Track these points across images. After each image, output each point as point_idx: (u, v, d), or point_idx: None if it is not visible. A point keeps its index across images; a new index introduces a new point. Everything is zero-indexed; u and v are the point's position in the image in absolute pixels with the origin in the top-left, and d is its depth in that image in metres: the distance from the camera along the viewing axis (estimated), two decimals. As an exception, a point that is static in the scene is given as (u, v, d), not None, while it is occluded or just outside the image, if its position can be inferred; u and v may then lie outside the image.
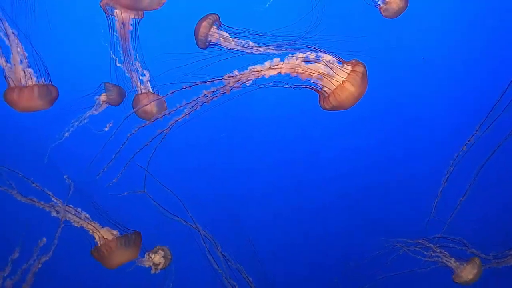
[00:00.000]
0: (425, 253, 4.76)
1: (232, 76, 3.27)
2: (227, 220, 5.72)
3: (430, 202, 5.08)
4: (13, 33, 3.35)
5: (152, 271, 4.10)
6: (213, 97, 3.37)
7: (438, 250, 4.70)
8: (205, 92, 3.33)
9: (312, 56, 3.16)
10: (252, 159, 5.98)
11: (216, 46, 3.72)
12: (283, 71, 3.18)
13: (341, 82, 3.06)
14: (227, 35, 3.64)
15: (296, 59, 3.16)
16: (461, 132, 4.65)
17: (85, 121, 4.87)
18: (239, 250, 4.72)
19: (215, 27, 3.67)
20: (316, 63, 3.15)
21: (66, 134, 4.84)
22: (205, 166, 5.84)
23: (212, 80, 3.33)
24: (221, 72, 3.37)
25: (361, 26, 5.33)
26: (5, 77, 3.40)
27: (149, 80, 4.07)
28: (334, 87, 3.09)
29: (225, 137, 5.74)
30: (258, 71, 3.24)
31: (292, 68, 3.16)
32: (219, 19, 3.68)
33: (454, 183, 4.79)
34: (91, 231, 3.68)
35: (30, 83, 3.35)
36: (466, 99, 6.06)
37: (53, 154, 4.89)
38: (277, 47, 3.37)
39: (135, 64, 4.01)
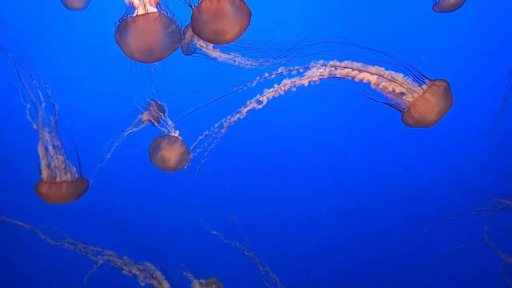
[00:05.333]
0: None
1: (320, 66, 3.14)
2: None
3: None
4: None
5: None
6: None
7: None
8: (285, 82, 3.22)
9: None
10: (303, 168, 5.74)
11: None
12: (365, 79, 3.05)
13: (422, 94, 2.91)
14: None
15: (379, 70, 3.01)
16: None
17: (124, 139, 4.74)
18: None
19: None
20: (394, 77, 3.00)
21: (108, 156, 4.74)
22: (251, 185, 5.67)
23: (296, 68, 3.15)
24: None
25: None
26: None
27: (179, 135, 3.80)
28: (414, 99, 2.93)
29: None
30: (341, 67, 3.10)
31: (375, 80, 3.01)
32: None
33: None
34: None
35: (61, 175, 3.19)
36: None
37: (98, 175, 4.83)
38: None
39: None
